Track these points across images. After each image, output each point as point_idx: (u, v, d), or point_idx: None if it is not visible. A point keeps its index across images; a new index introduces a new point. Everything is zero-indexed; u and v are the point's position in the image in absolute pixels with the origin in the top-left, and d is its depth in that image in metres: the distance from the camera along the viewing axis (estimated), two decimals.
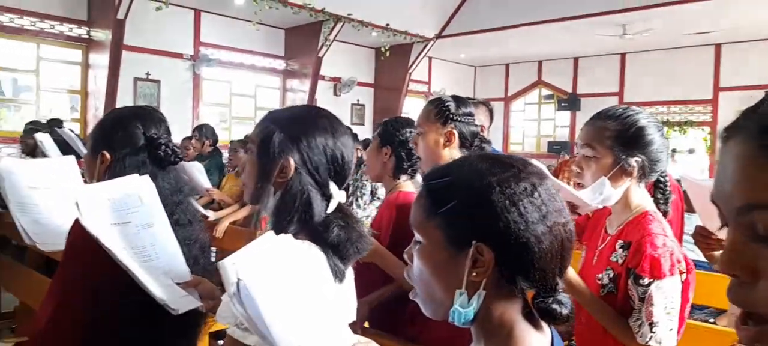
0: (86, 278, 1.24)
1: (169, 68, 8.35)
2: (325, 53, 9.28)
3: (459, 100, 1.82)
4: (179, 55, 8.49)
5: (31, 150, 4.92)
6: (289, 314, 0.88)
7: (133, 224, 1.22)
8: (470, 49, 11.39)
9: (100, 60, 7.39)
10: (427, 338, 1.68)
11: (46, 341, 1.24)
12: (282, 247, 0.97)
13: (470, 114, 1.81)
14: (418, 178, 1.94)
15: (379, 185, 5.22)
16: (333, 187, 1.10)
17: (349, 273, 1.13)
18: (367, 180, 5.24)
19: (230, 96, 9.49)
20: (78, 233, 1.21)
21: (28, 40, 7.25)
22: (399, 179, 1.92)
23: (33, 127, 5.19)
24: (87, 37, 7.59)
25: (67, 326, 1.23)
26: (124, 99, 7.51)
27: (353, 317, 1.12)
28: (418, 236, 0.82)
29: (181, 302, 1.19)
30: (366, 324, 1.85)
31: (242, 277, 0.85)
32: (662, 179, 1.55)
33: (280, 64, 9.85)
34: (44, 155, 3.22)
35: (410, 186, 1.91)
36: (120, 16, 6.97)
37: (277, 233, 1.02)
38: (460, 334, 1.16)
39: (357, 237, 1.08)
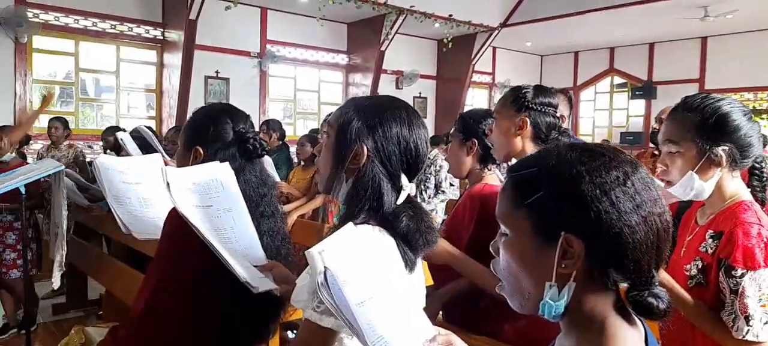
0: (181, 264, 1.32)
1: (237, 66, 8.65)
2: (387, 46, 9.30)
3: (539, 89, 1.76)
4: (247, 53, 8.78)
5: (112, 147, 5.27)
6: (374, 303, 0.89)
7: (214, 208, 1.29)
8: (537, 37, 11.08)
9: (174, 60, 7.76)
10: (503, 336, 1.64)
11: (145, 324, 1.33)
12: (365, 237, 0.99)
13: (549, 104, 1.74)
14: (495, 174, 1.91)
15: (443, 178, 5.18)
16: (404, 178, 1.10)
17: (420, 264, 1.13)
18: (430, 174, 5.22)
19: (295, 91, 9.72)
20: (175, 223, 1.29)
21: (108, 42, 7.71)
22: (486, 170, 1.89)
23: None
24: (161, 38, 7.99)
25: (164, 309, 1.31)
26: (196, 97, 7.86)
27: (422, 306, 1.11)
28: (504, 228, 0.80)
29: (261, 282, 1.24)
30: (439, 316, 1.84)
31: (329, 266, 0.86)
32: (757, 165, 1.48)
33: (342, 59, 9.97)
34: (127, 152, 3.44)
35: (495, 179, 1.87)
36: (192, 16, 7.28)
37: (348, 220, 1.04)
38: (537, 329, 1.11)
39: (426, 228, 1.08)
